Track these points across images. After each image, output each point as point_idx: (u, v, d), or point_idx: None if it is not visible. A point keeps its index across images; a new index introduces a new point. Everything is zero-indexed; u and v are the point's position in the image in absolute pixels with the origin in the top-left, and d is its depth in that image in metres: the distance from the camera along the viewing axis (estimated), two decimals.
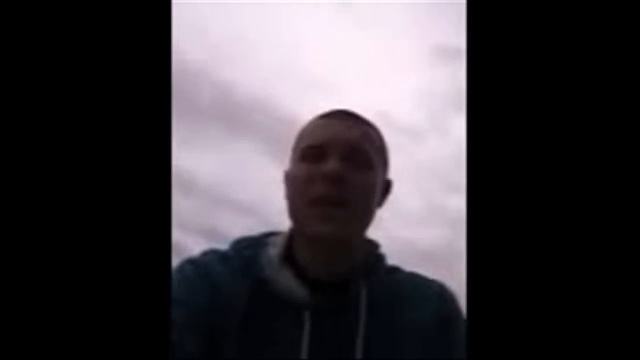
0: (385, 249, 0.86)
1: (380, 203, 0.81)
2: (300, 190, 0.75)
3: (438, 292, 0.83)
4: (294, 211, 0.77)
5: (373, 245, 0.84)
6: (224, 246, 0.84)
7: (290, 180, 0.79)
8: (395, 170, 0.85)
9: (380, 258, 0.84)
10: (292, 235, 0.81)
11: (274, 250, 0.79)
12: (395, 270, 0.86)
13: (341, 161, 0.73)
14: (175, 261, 0.78)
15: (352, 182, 0.73)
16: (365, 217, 0.77)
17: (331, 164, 0.73)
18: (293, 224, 0.79)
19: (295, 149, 0.81)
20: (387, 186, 0.83)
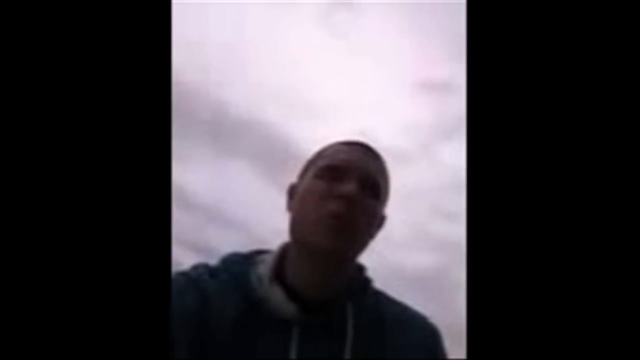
0: (373, 272, 0.87)
1: (373, 235, 0.84)
2: (313, 204, 0.78)
3: (423, 327, 0.86)
4: (302, 222, 0.79)
5: (359, 269, 0.86)
6: (214, 262, 0.85)
7: (303, 193, 0.81)
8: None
9: (366, 281, 0.86)
10: (282, 254, 0.82)
11: (263, 268, 0.81)
12: (381, 295, 0.87)
13: (357, 185, 0.77)
14: None
15: (362, 205, 0.77)
16: (364, 240, 0.81)
17: (349, 186, 0.77)
18: (296, 235, 0.81)
19: (311, 166, 0.84)
20: (381, 221, 0.86)
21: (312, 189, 0.80)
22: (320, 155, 0.85)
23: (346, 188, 0.77)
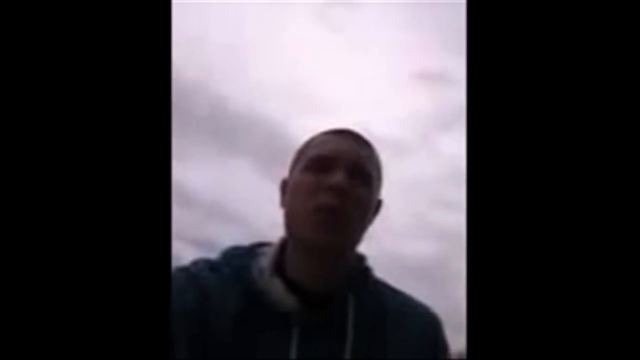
0: (373, 261, 0.87)
1: (370, 221, 0.83)
2: (303, 198, 0.77)
3: (424, 316, 0.85)
4: (294, 218, 0.79)
5: (359, 258, 0.86)
6: (214, 256, 0.85)
7: (293, 187, 0.81)
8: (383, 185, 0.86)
9: (367, 271, 0.86)
10: (282, 247, 0.82)
11: (264, 261, 0.80)
12: (382, 285, 0.87)
13: (346, 175, 0.76)
14: None
15: (354, 195, 0.76)
16: (360, 230, 0.80)
17: (338, 177, 0.76)
18: (290, 231, 0.80)
19: (300, 158, 0.83)
20: (378, 205, 0.86)
21: (301, 183, 0.79)
22: (307, 146, 0.84)
23: (334, 179, 0.75)
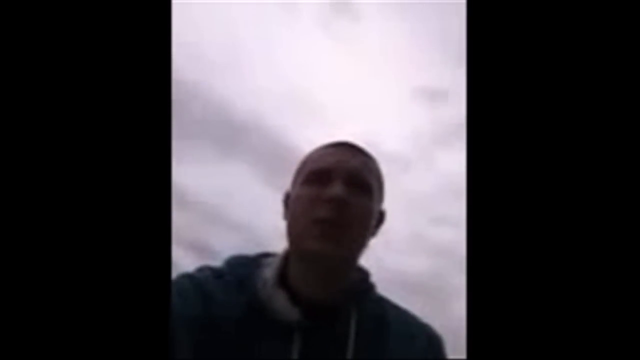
0: (372, 276, 0.87)
1: (373, 232, 0.83)
2: (303, 210, 0.78)
3: (426, 335, 0.85)
4: (295, 230, 0.79)
5: (364, 274, 0.86)
6: (218, 263, 0.85)
7: (293, 200, 0.81)
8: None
9: (370, 286, 0.86)
10: (286, 258, 0.82)
11: (268, 271, 0.81)
12: (385, 302, 0.87)
13: (344, 186, 0.77)
14: None
15: (353, 205, 0.77)
16: (361, 240, 0.80)
17: (336, 188, 0.76)
18: (291, 243, 0.81)
19: (300, 173, 0.84)
20: (380, 216, 0.86)
21: (301, 196, 0.80)
22: (307, 160, 0.85)
23: (333, 191, 0.76)
